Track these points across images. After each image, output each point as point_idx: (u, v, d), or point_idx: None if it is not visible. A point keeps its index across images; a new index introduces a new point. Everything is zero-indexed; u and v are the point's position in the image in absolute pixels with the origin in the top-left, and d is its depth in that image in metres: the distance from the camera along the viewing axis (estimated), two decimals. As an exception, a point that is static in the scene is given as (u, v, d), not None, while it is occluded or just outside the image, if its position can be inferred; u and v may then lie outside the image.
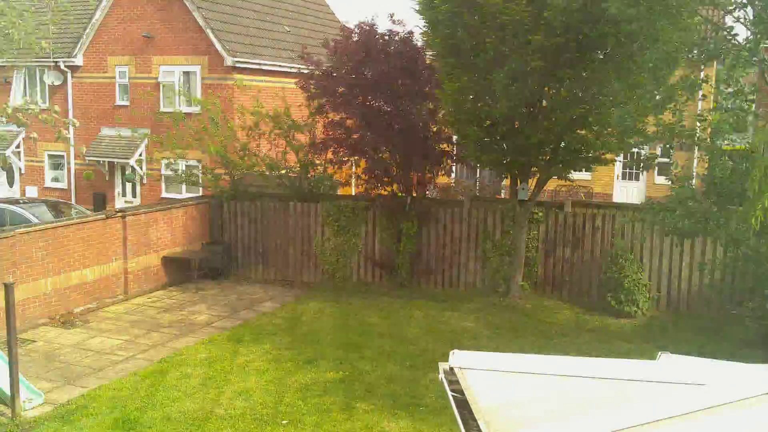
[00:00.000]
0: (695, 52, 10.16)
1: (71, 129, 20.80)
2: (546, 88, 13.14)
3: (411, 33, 15.59)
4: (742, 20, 9.98)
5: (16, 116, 12.15)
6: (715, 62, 10.47)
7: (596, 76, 12.45)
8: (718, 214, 9.83)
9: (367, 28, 15.59)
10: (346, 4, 50.01)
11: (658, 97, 11.13)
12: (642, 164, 13.65)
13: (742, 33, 10.33)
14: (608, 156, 14.03)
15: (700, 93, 11.11)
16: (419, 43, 15.36)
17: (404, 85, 15.05)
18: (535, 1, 12.02)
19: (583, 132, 13.27)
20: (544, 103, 13.38)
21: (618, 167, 23.46)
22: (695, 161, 14.38)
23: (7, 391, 9.45)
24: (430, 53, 15.06)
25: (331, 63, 15.89)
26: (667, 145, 11.35)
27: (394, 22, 15.75)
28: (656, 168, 20.90)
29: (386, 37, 15.48)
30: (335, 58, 15.72)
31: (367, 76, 15.03)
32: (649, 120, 11.62)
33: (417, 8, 13.78)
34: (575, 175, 14.91)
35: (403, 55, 15.16)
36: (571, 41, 12.04)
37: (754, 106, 10.07)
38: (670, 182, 11.81)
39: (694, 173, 15.37)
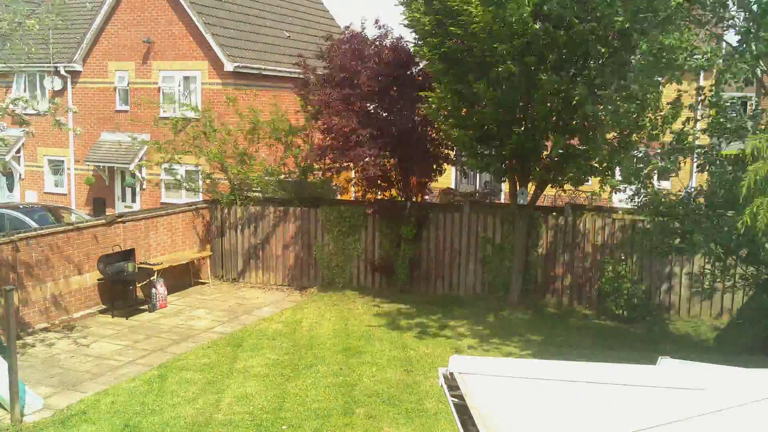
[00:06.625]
0: (685, 58, 10.05)
1: (71, 133, 20.83)
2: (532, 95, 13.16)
3: (400, 38, 15.68)
4: (733, 23, 9.95)
5: (13, 111, 12.11)
6: (714, 70, 10.35)
7: (583, 80, 12.48)
8: (711, 220, 9.81)
9: (357, 36, 15.67)
10: (347, 8, 50.12)
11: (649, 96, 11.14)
12: (640, 178, 12.54)
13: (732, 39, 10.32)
14: (603, 166, 14.02)
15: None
16: (410, 47, 15.43)
17: (399, 90, 15.05)
18: (503, 8, 12.10)
19: (575, 142, 13.32)
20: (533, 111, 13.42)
21: (618, 171, 23.40)
22: (694, 171, 14.28)
23: (7, 396, 9.44)
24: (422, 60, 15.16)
25: (325, 72, 15.93)
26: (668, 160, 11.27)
27: (380, 27, 15.87)
28: (656, 174, 20.78)
29: (377, 43, 15.54)
30: (330, 68, 15.75)
31: (361, 84, 15.03)
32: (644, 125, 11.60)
33: (405, 23, 14.01)
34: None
35: (395, 60, 15.20)
36: (556, 43, 12.10)
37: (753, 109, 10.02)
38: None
39: (693, 182, 15.31)
